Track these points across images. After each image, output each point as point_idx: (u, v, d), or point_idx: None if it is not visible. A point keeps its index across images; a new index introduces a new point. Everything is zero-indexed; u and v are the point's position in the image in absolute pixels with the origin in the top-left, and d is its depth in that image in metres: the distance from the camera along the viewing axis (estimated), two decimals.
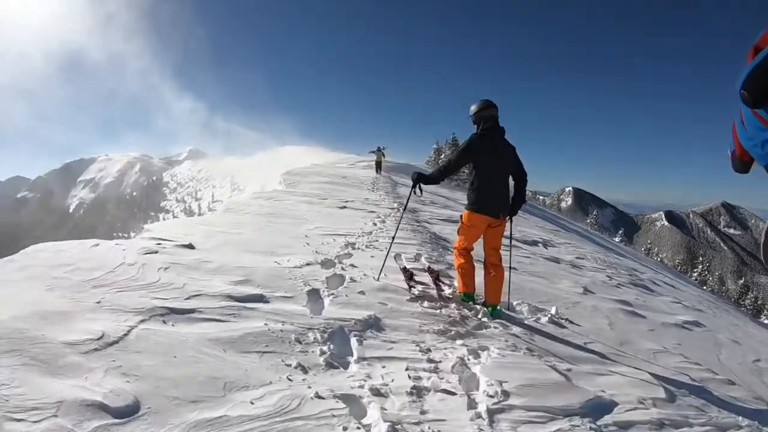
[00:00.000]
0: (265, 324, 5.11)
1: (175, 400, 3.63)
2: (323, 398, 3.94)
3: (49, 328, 4.35)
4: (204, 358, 4.27)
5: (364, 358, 4.76)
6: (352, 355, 4.84)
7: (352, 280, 7.35)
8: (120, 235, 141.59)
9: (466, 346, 5.49)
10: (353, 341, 5.10)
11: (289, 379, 4.17)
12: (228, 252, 8.12)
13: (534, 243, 17.32)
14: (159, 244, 7.95)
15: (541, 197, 74.32)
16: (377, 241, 10.88)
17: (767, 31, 1.16)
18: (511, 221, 7.41)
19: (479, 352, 5.40)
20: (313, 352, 4.72)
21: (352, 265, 8.29)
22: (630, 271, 17.54)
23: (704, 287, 43.43)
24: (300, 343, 4.86)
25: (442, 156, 42.08)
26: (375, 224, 13.51)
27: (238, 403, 3.70)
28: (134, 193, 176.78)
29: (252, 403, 3.73)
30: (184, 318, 5.01)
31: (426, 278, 8.17)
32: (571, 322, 7.58)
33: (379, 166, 36.45)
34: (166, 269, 6.54)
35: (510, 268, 7.57)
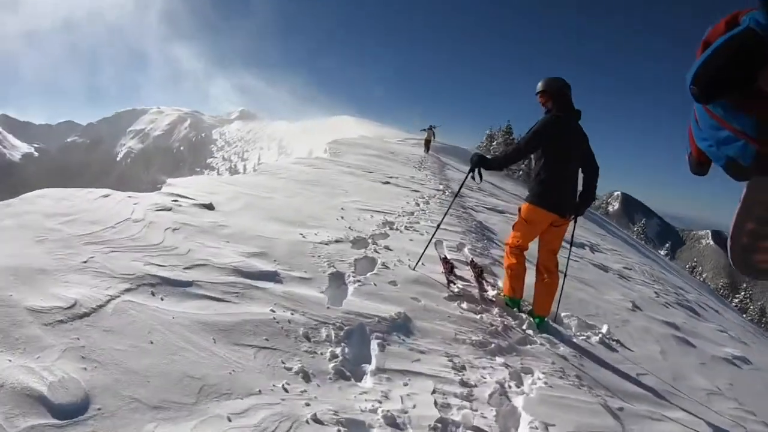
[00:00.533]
0: (272, 310, 4.36)
1: (133, 402, 2.87)
2: (322, 423, 3.11)
3: (19, 288, 3.67)
4: (186, 347, 3.51)
5: (384, 370, 3.99)
6: (369, 363, 4.10)
7: (385, 265, 6.55)
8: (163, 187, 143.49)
9: (508, 366, 4.65)
10: (374, 345, 4.34)
11: (285, 389, 3.40)
12: (250, 217, 7.39)
13: (581, 245, 16.29)
14: (175, 201, 7.28)
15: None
16: (418, 223, 10.07)
17: (716, 26, 1.17)
18: (575, 222, 6.50)
19: (522, 376, 4.57)
20: (322, 354, 3.98)
21: (387, 248, 7.50)
22: (676, 290, 16.39)
23: (744, 315, 41.49)
24: (308, 340, 4.10)
25: (494, 143, 40.65)
26: (418, 204, 12.71)
27: (210, 418, 2.90)
28: (181, 148, 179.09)
29: (229, 420, 2.92)
30: (177, 292, 4.28)
31: (468, 273, 7.32)
32: (623, 345, 6.67)
33: (427, 144, 35.50)
34: (174, 230, 5.84)
35: (564, 274, 6.62)
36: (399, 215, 10.45)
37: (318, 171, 15.46)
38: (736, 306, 51.62)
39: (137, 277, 4.29)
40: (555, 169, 5.87)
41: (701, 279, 62.77)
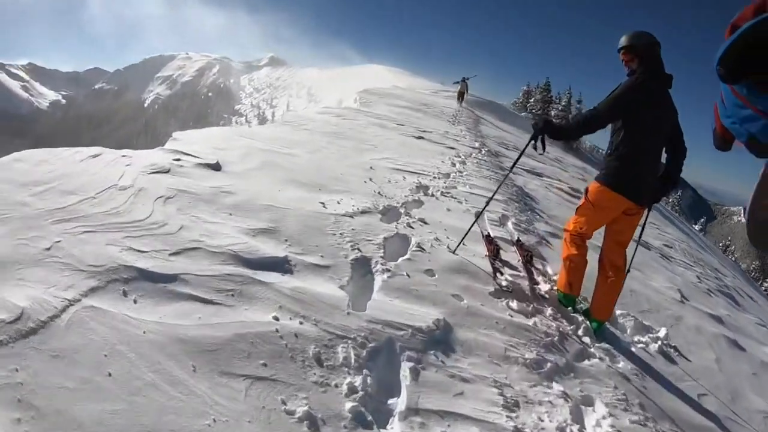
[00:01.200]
0: (275, 318, 3.46)
1: None
2: None
3: None
4: (155, 382, 2.64)
5: (417, 411, 3.10)
6: (398, 398, 3.22)
7: (420, 247, 5.59)
8: None
9: (567, 398, 3.72)
10: (405, 370, 3.44)
11: None
12: (263, 180, 6.50)
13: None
14: (177, 159, 6.42)
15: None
16: (455, 188, 9.11)
17: (745, 9, 1.16)
18: (649, 211, 5.44)
19: (583, 411, 3.71)
20: (337, 386, 3.10)
21: (422, 221, 6.56)
22: (715, 273, 15.34)
23: None
24: (320, 364, 3.21)
25: (531, 100, 38.93)
26: (454, 165, 11.74)
27: None
28: (209, 94, 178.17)
29: None
30: (156, 290, 3.42)
31: (514, 257, 6.37)
32: (680, 353, 5.69)
33: (461, 96, 34.40)
34: (166, 200, 4.97)
35: (628, 271, 5.57)
36: (434, 177, 9.52)
37: (346, 122, 14.54)
38: (766, 291, 49.92)
39: (108, 270, 3.45)
40: (637, 145, 4.75)
41: (733, 259, 60.70)
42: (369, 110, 19.54)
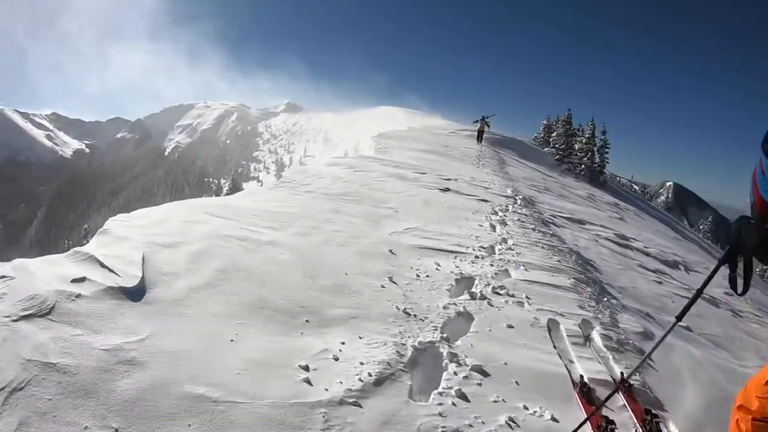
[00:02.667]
0: None
1: None
2: None
3: None
4: None
5: None
6: None
7: None
8: (210, 180, 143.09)
9: None
10: None
11: None
12: (206, 317, 4.01)
13: (675, 265, 13.11)
14: (81, 280, 3.92)
15: (636, 187, 66.50)
16: (508, 274, 6.68)
17: None
18: None
19: None
20: None
21: (479, 371, 3.99)
22: None
23: None
24: None
25: (554, 134, 36.28)
26: (494, 228, 9.36)
27: None
28: (227, 141, 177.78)
29: None
30: None
31: (620, 409, 3.75)
32: None
33: (480, 135, 31.97)
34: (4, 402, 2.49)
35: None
36: (476, 257, 7.10)
37: (359, 175, 12.18)
38: None
39: None
40: None
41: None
42: (385, 157, 17.11)
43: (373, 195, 10.03)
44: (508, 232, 9.06)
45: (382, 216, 8.43)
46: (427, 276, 5.89)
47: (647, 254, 13.00)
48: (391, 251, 6.55)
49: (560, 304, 5.85)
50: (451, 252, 7.03)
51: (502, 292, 5.78)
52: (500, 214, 10.83)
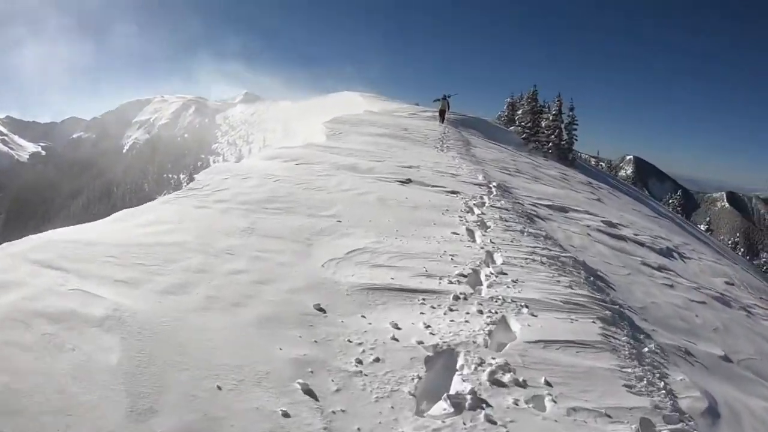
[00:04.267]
0: None
1: None
2: None
3: None
4: None
5: None
6: None
7: None
8: (169, 176, 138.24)
9: None
10: None
11: None
12: None
13: (669, 254, 12.17)
14: None
15: (602, 164, 65.48)
16: (509, 331, 4.50)
17: None
18: None
19: None
20: None
21: None
22: None
23: None
24: None
25: (519, 112, 33.85)
26: (472, 233, 7.15)
27: None
28: (186, 135, 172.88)
29: None
30: None
31: None
32: None
33: (442, 115, 29.69)
34: None
35: None
36: (456, 297, 4.81)
37: (299, 170, 9.73)
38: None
39: None
40: None
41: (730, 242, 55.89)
42: (337, 145, 14.59)
43: (311, 198, 7.57)
44: (492, 241, 6.75)
45: (317, 231, 6.02)
46: (377, 360, 3.48)
47: (642, 244, 11.66)
48: (319, 308, 4.15)
49: (598, 386, 3.53)
50: (417, 292, 4.65)
51: (506, 379, 3.37)
52: (476, 210, 8.52)
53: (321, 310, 4.09)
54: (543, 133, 30.85)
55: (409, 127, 22.94)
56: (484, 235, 6.98)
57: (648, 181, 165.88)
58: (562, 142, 30.48)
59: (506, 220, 8.32)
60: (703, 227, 45.59)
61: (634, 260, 9.65)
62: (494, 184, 12.18)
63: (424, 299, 4.52)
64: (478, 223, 7.62)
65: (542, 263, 6.22)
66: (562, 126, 30.82)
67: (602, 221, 12.32)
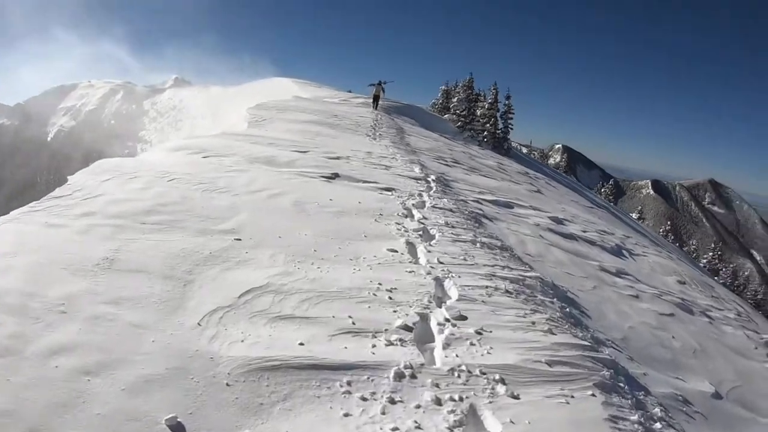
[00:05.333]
0: None
1: None
2: None
3: None
4: None
5: None
6: None
7: None
8: None
9: None
10: None
11: None
12: None
13: (620, 252, 11.33)
14: None
15: (535, 153, 65.53)
16: (477, 414, 2.99)
17: None
18: None
19: None
20: None
21: None
22: (732, 304, 12.09)
23: (715, 278, 35.16)
24: None
25: (454, 100, 32.42)
26: (413, 249, 5.60)
27: None
28: (112, 122, 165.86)
29: None
30: None
31: None
32: None
33: (376, 100, 28.24)
34: None
35: None
36: (401, 375, 3.20)
37: (203, 166, 7.84)
38: (705, 266, 45.56)
39: None
40: None
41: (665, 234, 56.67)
42: (259, 133, 12.76)
43: (208, 204, 5.76)
44: (440, 261, 5.19)
45: (204, 258, 4.29)
46: None
47: (592, 243, 10.77)
48: (172, 426, 2.39)
49: None
50: (340, 371, 3.01)
51: None
52: (416, 214, 6.98)
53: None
54: (478, 121, 29.62)
55: (339, 114, 21.15)
56: (429, 251, 5.39)
57: (576, 168, 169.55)
58: (498, 131, 29.34)
59: (453, 226, 6.78)
60: (635, 215, 45.65)
61: (592, 266, 8.60)
62: (433, 177, 10.71)
63: (349, 385, 2.88)
64: (420, 233, 6.04)
65: (507, 292, 4.70)
66: (498, 115, 29.67)
67: (549, 217, 11.33)
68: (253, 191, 6.65)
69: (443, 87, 38.06)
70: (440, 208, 7.73)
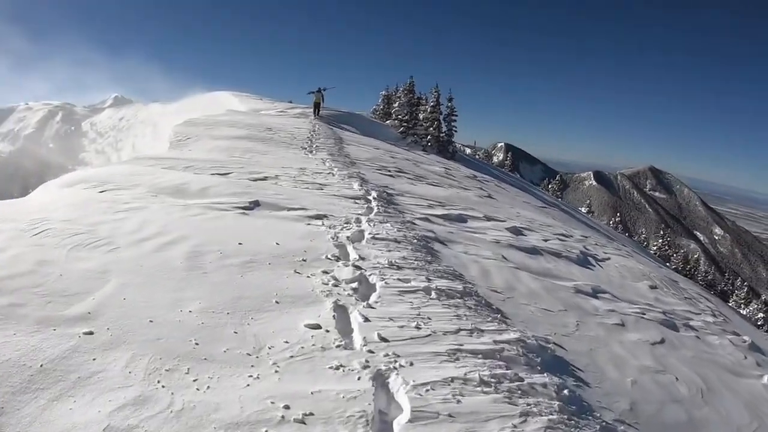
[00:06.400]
0: None
1: None
2: None
3: None
4: None
5: None
6: None
7: None
8: (32, 192, 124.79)
9: None
10: None
11: None
12: None
13: (585, 261, 9.94)
14: None
15: (478, 154, 64.90)
16: None
17: None
18: None
19: None
20: None
21: None
22: (706, 305, 10.86)
23: (667, 264, 34.99)
24: None
25: (395, 105, 30.78)
26: (344, 319, 3.98)
27: None
28: (51, 145, 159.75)
29: None
30: None
31: None
32: None
33: (317, 107, 27.17)
34: None
35: None
36: None
37: (92, 207, 6.16)
38: (655, 253, 45.41)
39: None
40: None
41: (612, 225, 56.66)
42: (178, 155, 11.04)
43: (68, 273, 4.03)
44: (384, 338, 3.64)
45: (29, 378, 2.70)
46: None
47: (558, 255, 9.45)
48: None
49: None
50: None
51: None
52: (351, 252, 5.45)
53: None
54: (421, 125, 28.20)
55: (274, 127, 19.37)
56: (366, 319, 3.82)
57: (520, 165, 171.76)
58: (442, 135, 28.02)
59: (399, 267, 5.24)
60: (584, 209, 45.07)
61: (566, 289, 7.32)
62: (374, 194, 9.20)
63: None
64: (356, 285, 4.47)
65: (482, 383, 3.17)
66: (441, 118, 28.33)
67: (507, 229, 10.04)
68: (140, 240, 4.97)
69: (383, 92, 36.37)
70: (382, 239, 6.20)
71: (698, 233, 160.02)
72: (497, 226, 10.01)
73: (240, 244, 5.15)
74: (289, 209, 7.00)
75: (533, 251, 8.89)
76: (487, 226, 9.84)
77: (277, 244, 5.30)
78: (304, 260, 4.94)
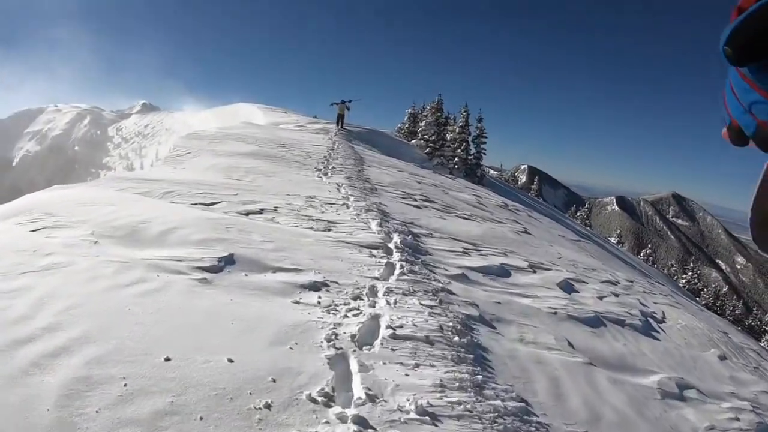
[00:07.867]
0: None
1: None
2: None
3: None
4: None
5: None
6: None
7: None
8: None
9: None
10: None
11: None
12: None
13: (650, 327, 7.68)
14: None
15: (504, 177, 63.17)
16: None
17: None
18: None
19: None
20: None
21: None
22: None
23: (697, 299, 32.52)
24: None
25: (422, 124, 28.77)
26: None
27: None
28: (76, 148, 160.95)
29: None
30: None
31: None
32: None
33: (341, 120, 26.16)
34: None
35: None
36: None
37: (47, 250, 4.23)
38: (684, 286, 42.78)
39: None
40: None
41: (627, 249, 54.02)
42: (171, 176, 9.46)
43: None
44: None
45: None
46: None
47: (621, 324, 7.16)
48: None
49: None
50: None
51: None
52: (357, 373, 3.45)
53: None
54: (449, 146, 26.17)
55: (288, 143, 17.33)
56: None
57: (542, 188, 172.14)
58: (470, 157, 25.94)
59: (435, 417, 3.09)
60: (613, 239, 42.65)
61: (654, 396, 5.19)
62: (396, 239, 7.07)
63: None
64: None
65: None
66: (470, 139, 26.28)
67: (557, 285, 7.96)
68: (12, 345, 2.88)
69: (409, 110, 34.30)
70: (407, 338, 4.03)
71: (720, 261, 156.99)
72: (546, 281, 8.02)
73: (167, 360, 3.00)
74: (275, 269, 4.94)
75: (596, 323, 6.66)
76: (536, 281, 7.84)
77: (230, 361, 3.11)
78: (269, 407, 2.76)
